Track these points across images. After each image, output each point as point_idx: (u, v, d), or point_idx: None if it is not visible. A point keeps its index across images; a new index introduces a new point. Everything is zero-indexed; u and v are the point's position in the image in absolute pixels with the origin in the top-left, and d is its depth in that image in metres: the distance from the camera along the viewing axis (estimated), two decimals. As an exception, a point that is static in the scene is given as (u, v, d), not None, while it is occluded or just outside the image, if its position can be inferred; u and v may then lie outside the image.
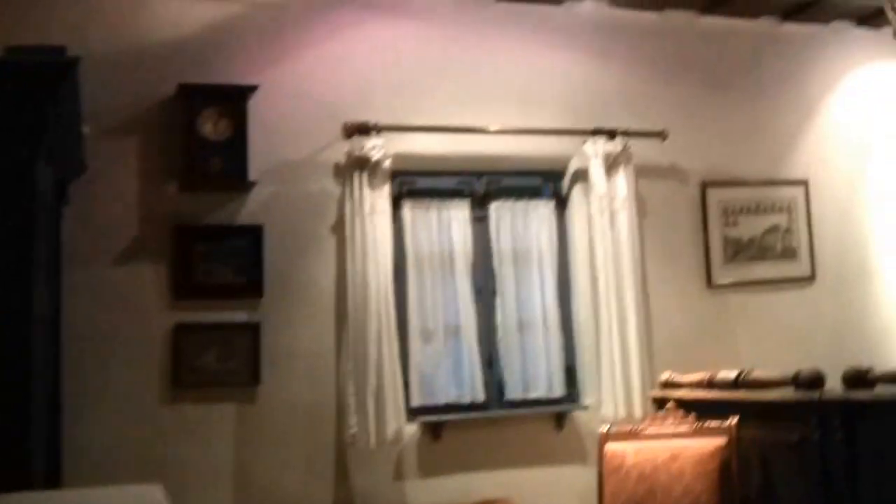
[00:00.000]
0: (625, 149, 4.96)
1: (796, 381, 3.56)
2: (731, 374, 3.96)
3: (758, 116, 5.62)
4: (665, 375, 4.62)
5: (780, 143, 5.67)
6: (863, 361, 5.34)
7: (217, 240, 4.43)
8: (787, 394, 3.56)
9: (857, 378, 3.20)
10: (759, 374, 3.87)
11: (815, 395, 3.32)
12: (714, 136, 5.45)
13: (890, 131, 6.02)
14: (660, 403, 4.45)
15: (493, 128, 4.86)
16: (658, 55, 5.40)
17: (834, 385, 3.37)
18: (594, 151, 4.92)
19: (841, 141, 5.85)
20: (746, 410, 3.66)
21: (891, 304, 5.82)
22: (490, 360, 4.87)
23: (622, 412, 4.76)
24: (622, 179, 4.95)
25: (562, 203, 5.10)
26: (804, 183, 5.64)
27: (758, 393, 3.73)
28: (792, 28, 5.81)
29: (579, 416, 4.94)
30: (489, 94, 4.98)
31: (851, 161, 5.86)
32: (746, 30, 5.68)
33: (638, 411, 4.75)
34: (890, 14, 3.02)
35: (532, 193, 5.05)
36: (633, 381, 4.81)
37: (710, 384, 4.11)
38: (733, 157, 5.50)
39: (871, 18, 5.94)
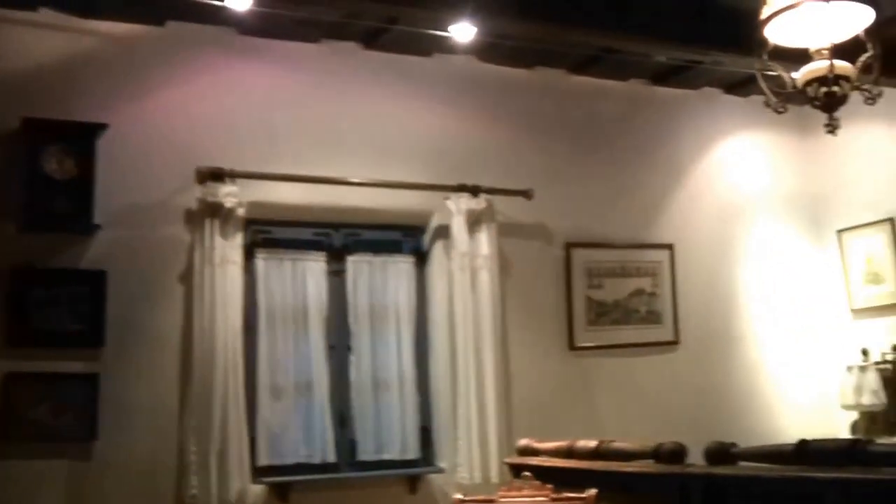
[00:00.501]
0: (488, 206, 5.61)
1: (657, 453, 3.76)
2: (591, 443, 4.19)
3: (626, 178, 6.40)
4: (523, 442, 5.05)
5: (647, 205, 6.46)
6: (726, 428, 6.12)
7: (56, 285, 4.78)
8: (648, 466, 3.75)
9: (720, 453, 3.51)
10: (619, 444, 4.03)
11: (676, 468, 3.60)
12: (581, 197, 6.18)
13: (755, 198, 6.90)
14: (517, 470, 4.81)
15: (354, 179, 5.42)
16: (527, 112, 6.13)
17: (696, 458, 3.66)
18: (457, 208, 5.55)
19: (707, 206, 6.70)
20: (606, 482, 3.80)
21: (753, 369, 6.67)
22: (342, 419, 5.39)
23: (478, 477, 5.33)
24: (485, 237, 5.59)
25: (422, 259, 5.72)
26: (670, 247, 6.45)
27: (618, 464, 3.92)
28: (662, 92, 6.66)
29: (434, 480, 5.51)
30: (352, 144, 5.55)
31: (717, 226, 6.71)
32: (617, 91, 6.49)
33: (494, 477, 5.32)
34: (762, 82, 3.62)
35: (392, 248, 5.65)
36: (491, 446, 5.39)
37: (570, 453, 4.35)
38: (600, 218, 6.24)
39: (740, 86, 6.84)
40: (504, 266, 5.76)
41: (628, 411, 6.05)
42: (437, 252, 5.69)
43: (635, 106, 6.56)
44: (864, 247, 6.79)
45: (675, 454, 3.67)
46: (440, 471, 5.49)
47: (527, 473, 4.39)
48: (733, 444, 3.45)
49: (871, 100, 3.48)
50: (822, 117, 6.73)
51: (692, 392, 6.34)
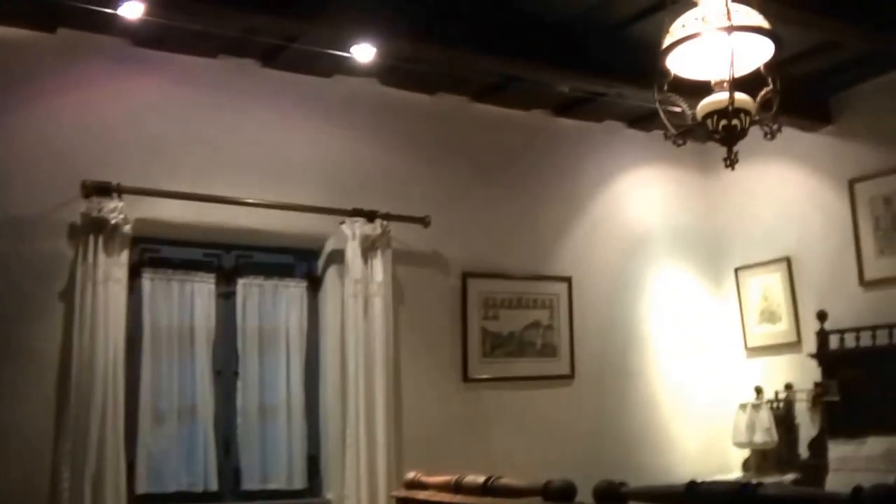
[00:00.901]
0: (384, 232, 5.77)
1: (546, 491, 3.86)
2: (479, 479, 4.21)
3: (526, 209, 6.64)
4: (411, 475, 5.13)
5: (546, 237, 6.72)
6: (619, 464, 6.35)
7: (-74, 299, 4.76)
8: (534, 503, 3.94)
9: (609, 493, 3.62)
10: (508, 481, 4.06)
11: None
12: (479, 226, 6.41)
13: (655, 233, 7.22)
14: None
15: (248, 199, 5.53)
16: (428, 139, 6.34)
17: (586, 496, 3.80)
18: (352, 232, 5.71)
19: (607, 239, 7.00)
20: None
21: (648, 405, 6.96)
22: (227, 446, 5.47)
23: (363, 512, 5.44)
24: (379, 264, 5.75)
25: (315, 284, 5.85)
26: (568, 279, 6.70)
27: (506, 501, 3.95)
28: (565, 123, 6.95)
29: (321, 512, 5.59)
30: (247, 164, 5.66)
31: (616, 260, 7.02)
32: (519, 121, 6.75)
33: (381, 511, 5.45)
34: (661, 112, 3.71)
35: (284, 272, 5.78)
36: (379, 477, 5.53)
37: (458, 487, 4.38)
38: (498, 248, 6.46)
39: (643, 121, 7.17)
40: (398, 294, 5.93)
41: (521, 445, 6.25)
42: (330, 277, 5.82)
43: (537, 136, 6.83)
44: (760, 285, 7.17)
45: (565, 492, 3.74)
46: (327, 502, 5.61)
47: (412, 509, 4.53)
48: (623, 484, 3.57)
49: (770, 135, 3.61)
50: (723, 154, 7.17)
51: (586, 427, 6.59)
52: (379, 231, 5.77)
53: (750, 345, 7.25)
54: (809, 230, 6.89)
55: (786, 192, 7.06)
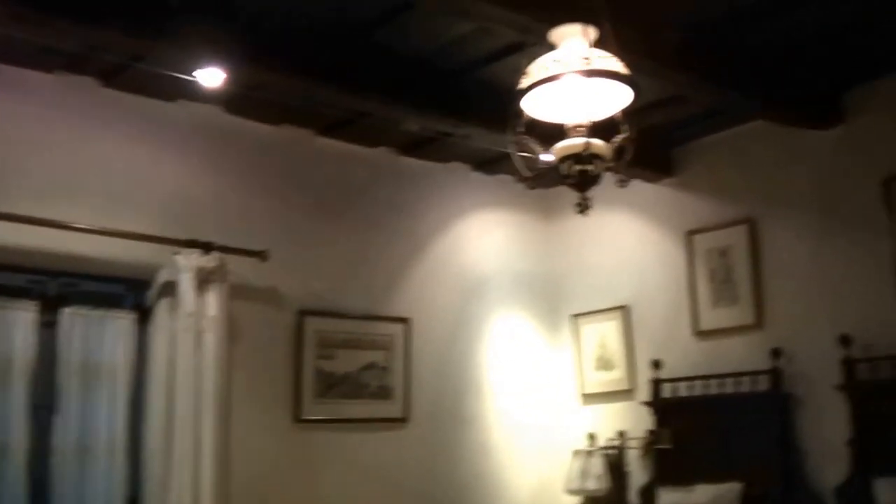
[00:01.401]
0: (220, 265, 5.86)
1: None
2: None
3: (366, 248, 6.86)
4: None
5: (385, 277, 6.95)
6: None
7: None
8: None
9: None
10: None
11: None
12: (318, 263, 6.58)
13: (495, 278, 7.55)
14: None
15: (78, 224, 5.50)
16: (270, 171, 6.48)
17: None
18: (186, 264, 5.77)
19: (446, 282, 7.29)
20: None
21: (482, 451, 7.26)
22: (41, 488, 5.38)
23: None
24: (214, 298, 5.83)
25: (145, 316, 5.87)
26: (405, 321, 6.93)
27: None
28: (410, 162, 7.23)
29: (138, 557, 5.59)
30: (79, 187, 5.64)
31: (455, 303, 7.31)
32: (364, 157, 6.99)
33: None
34: (514, 155, 3.71)
35: (112, 302, 5.79)
36: (205, 523, 5.56)
37: None
38: (337, 286, 6.65)
39: (489, 164, 7.53)
40: (233, 330, 6.01)
41: (353, 490, 6.43)
42: (161, 310, 5.84)
43: (382, 174, 7.07)
44: (596, 332, 7.59)
45: None
46: (145, 548, 5.61)
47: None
48: None
49: (624, 182, 3.70)
50: (566, 201, 7.54)
51: (418, 472, 6.83)
52: (215, 263, 5.85)
53: (585, 391, 7.65)
54: (647, 280, 7.35)
55: (626, 241, 7.52)
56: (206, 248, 5.87)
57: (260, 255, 6.12)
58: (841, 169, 6.36)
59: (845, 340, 6.02)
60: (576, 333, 7.75)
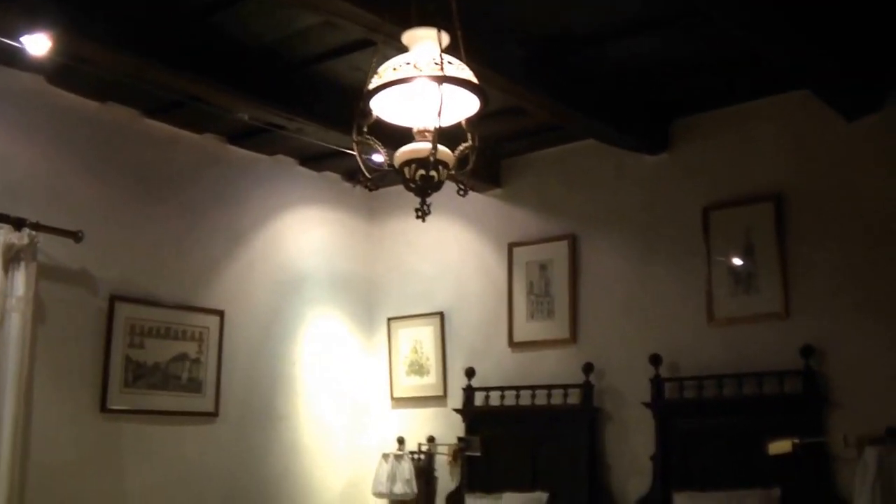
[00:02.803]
0: (31, 243, 5.56)
1: None
2: None
3: (185, 235, 6.67)
4: None
5: (203, 267, 6.78)
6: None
7: None
8: None
9: None
10: None
11: None
12: (134, 248, 6.34)
13: (315, 275, 7.48)
14: None
15: None
16: (92, 149, 6.20)
17: None
18: (-6, 240, 5.45)
19: (264, 276, 7.17)
20: None
21: (292, 450, 7.18)
22: None
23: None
24: (22, 277, 5.52)
25: (-56, 293, 5.51)
26: (220, 313, 6.77)
27: None
28: (236, 152, 7.08)
29: (-82, 550, 5.22)
30: None
31: (272, 299, 7.20)
32: (190, 143, 6.79)
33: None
34: (358, 155, 3.60)
35: None
36: (-3, 518, 5.25)
37: None
38: (152, 273, 6.43)
39: (316, 160, 7.46)
40: (39, 312, 5.71)
41: (159, 484, 6.23)
42: (-39, 286, 5.52)
43: (207, 162, 6.89)
44: (411, 337, 7.62)
45: None
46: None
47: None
48: None
49: (464, 192, 3.63)
50: (390, 203, 7.65)
51: (227, 469, 6.68)
52: (26, 241, 5.55)
53: (396, 395, 7.67)
54: (466, 288, 7.44)
55: (448, 248, 7.59)
56: (17, 223, 5.56)
57: (74, 235, 5.84)
58: (664, 194, 6.62)
59: (655, 359, 6.27)
60: (390, 336, 7.76)
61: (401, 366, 7.66)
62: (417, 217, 3.54)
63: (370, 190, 3.95)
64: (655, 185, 6.67)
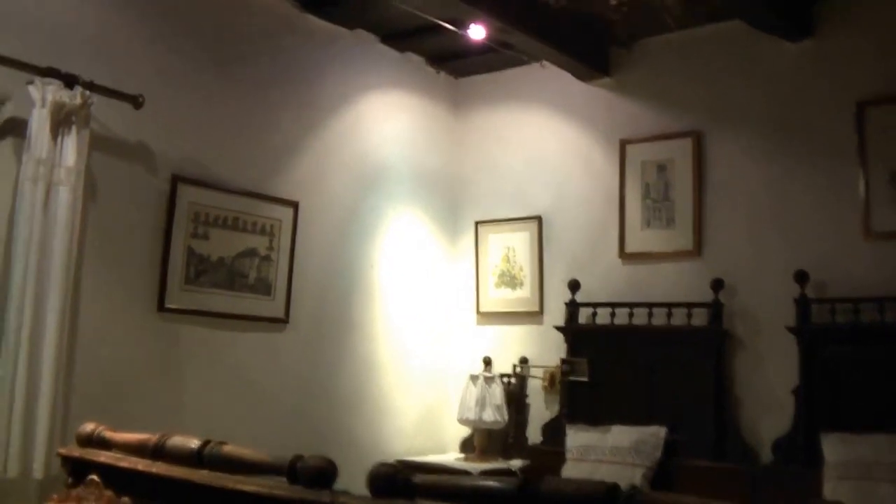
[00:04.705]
0: (84, 104, 4.60)
1: (293, 471, 2.81)
2: (191, 442, 3.19)
3: (256, 113, 5.70)
4: (89, 427, 3.50)
5: (276, 150, 5.81)
6: (331, 429, 5.61)
7: None
8: (276, 486, 2.93)
9: (393, 484, 2.60)
10: (235, 450, 3.07)
11: (323, 496, 2.71)
12: (200, 123, 5.38)
13: (395, 168, 6.52)
14: (76, 468, 3.66)
15: None
16: (157, 6, 5.21)
17: (347, 480, 2.86)
18: (41, 97, 4.48)
19: (342, 166, 6.22)
20: (213, 498, 3.00)
21: (367, 363, 6.28)
22: None
23: (14, 470, 4.26)
24: (73, 144, 4.56)
25: (-20, 159, 4.57)
26: (294, 205, 5.81)
27: (234, 480, 2.98)
28: (312, 22, 6.08)
29: (-56, 466, 4.34)
30: None
31: (348, 192, 6.26)
32: (263, 6, 5.78)
33: (39, 472, 4.29)
34: None
35: (-64, 134, 4.45)
36: (40, 428, 4.33)
37: (159, 452, 3.28)
38: (219, 154, 5.47)
39: (397, 38, 6.48)
40: (90, 188, 4.77)
41: (218, 395, 5.35)
42: (2, 151, 4.53)
43: (280, 29, 5.88)
44: (503, 243, 6.68)
45: (320, 475, 2.78)
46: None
47: (93, 477, 3.41)
48: (402, 470, 2.69)
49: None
50: (478, 92, 6.65)
51: (296, 384, 5.82)
52: (78, 101, 4.58)
53: (482, 309, 6.75)
54: (568, 189, 6.49)
55: (545, 144, 6.63)
56: (70, 80, 4.59)
57: (133, 99, 4.88)
58: (807, 86, 5.66)
59: (801, 276, 5.33)
60: (477, 243, 6.80)
61: (489, 276, 6.72)
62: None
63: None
64: (797, 75, 5.70)
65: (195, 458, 3.09)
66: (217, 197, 5.40)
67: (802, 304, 5.33)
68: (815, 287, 5.36)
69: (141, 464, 3.20)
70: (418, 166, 6.74)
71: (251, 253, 5.58)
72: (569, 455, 5.66)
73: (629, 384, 5.81)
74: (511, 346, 6.50)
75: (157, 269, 5.12)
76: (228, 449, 2.99)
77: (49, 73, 4.53)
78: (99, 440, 3.43)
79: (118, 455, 3.31)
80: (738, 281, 5.68)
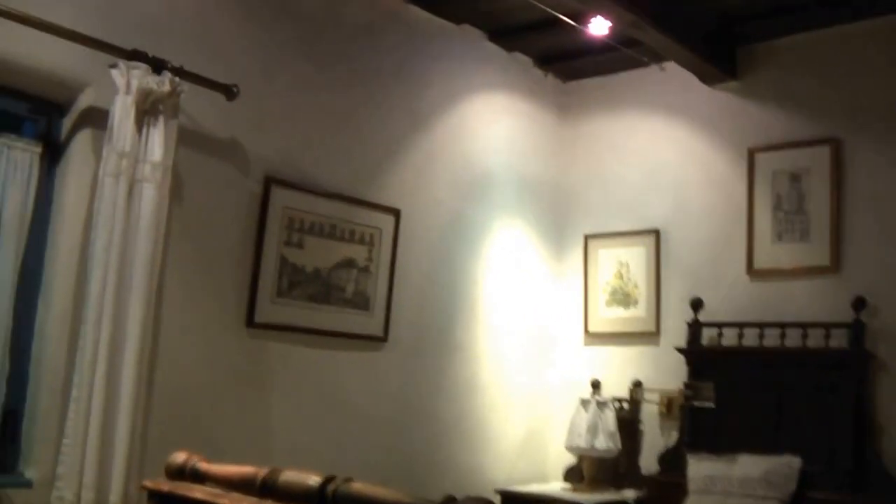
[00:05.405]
0: (173, 91, 3.98)
1: None
2: (310, 479, 2.69)
3: (357, 111, 5.08)
4: (180, 457, 2.98)
5: (378, 152, 5.18)
6: (429, 455, 4.96)
7: None
8: None
9: None
10: (367, 488, 2.56)
11: None
12: (297, 120, 4.75)
13: (500, 177, 5.85)
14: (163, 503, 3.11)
15: (-33, 1, 3.55)
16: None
17: None
18: (125, 83, 3.87)
19: (446, 172, 5.56)
20: None
21: (468, 386, 5.62)
22: None
23: (89, 501, 3.65)
24: (160, 136, 3.95)
25: (55, 151, 3.96)
26: (396, 213, 5.15)
27: None
28: (417, 13, 5.43)
29: (16, 498, 3.69)
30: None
31: (452, 201, 5.61)
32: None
33: (117, 503, 3.70)
34: None
35: (6, 125, 3.82)
36: (118, 453, 3.74)
37: (268, 488, 2.77)
38: (317, 155, 4.85)
39: (506, 36, 5.86)
40: (177, 187, 4.15)
41: (310, 418, 4.73)
42: (80, 144, 3.91)
43: (383, 22, 5.25)
44: (615, 259, 5.96)
45: None
46: (26, 483, 3.72)
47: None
48: None
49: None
50: (588, 97, 5.95)
51: (392, 407, 5.17)
52: (167, 88, 3.95)
53: (591, 329, 6.01)
54: (688, 201, 5.76)
55: (662, 152, 5.91)
56: (158, 65, 3.97)
57: (226, 89, 4.26)
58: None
59: (954, 295, 4.55)
60: (587, 258, 6.08)
61: (600, 293, 5.98)
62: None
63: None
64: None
65: (316, 498, 2.53)
66: (313, 201, 4.76)
67: (958, 326, 4.56)
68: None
69: (246, 502, 2.67)
70: (524, 175, 6.05)
71: (349, 264, 4.92)
72: (691, 486, 4.95)
73: (758, 409, 5.09)
74: (621, 369, 5.77)
75: (247, 279, 4.49)
76: (358, 487, 2.43)
77: (135, 56, 3.92)
78: (192, 473, 2.89)
79: (216, 491, 2.78)
80: (882, 299, 4.96)
